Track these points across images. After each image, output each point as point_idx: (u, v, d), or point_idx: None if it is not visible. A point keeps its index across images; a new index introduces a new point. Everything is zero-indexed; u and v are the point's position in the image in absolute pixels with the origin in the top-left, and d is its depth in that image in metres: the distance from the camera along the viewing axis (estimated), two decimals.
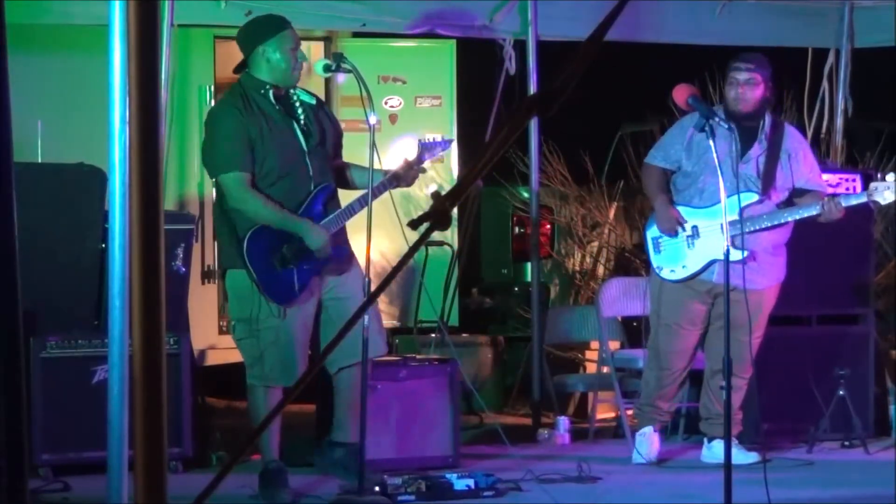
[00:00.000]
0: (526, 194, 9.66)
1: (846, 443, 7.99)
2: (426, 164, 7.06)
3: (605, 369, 8.54)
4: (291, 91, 6.69)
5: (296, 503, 6.63)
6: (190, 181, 9.19)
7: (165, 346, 2.27)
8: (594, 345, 9.27)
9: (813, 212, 7.27)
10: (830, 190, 7.90)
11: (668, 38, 9.31)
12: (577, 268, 10.23)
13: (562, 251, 10.36)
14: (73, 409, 6.92)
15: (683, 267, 7.47)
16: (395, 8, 8.75)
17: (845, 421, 7.89)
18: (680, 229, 7.43)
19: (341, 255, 6.76)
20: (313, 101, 6.80)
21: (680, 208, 7.47)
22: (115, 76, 4.15)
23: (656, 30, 9.21)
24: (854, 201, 7.36)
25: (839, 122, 9.72)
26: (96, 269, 7.17)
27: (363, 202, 6.62)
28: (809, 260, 8.11)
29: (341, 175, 6.88)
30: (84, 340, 7.06)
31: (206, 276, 9.24)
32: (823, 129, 9.76)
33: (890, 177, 7.32)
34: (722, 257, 7.30)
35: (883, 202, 7.33)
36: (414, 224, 2.48)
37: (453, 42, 9.79)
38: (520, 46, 9.01)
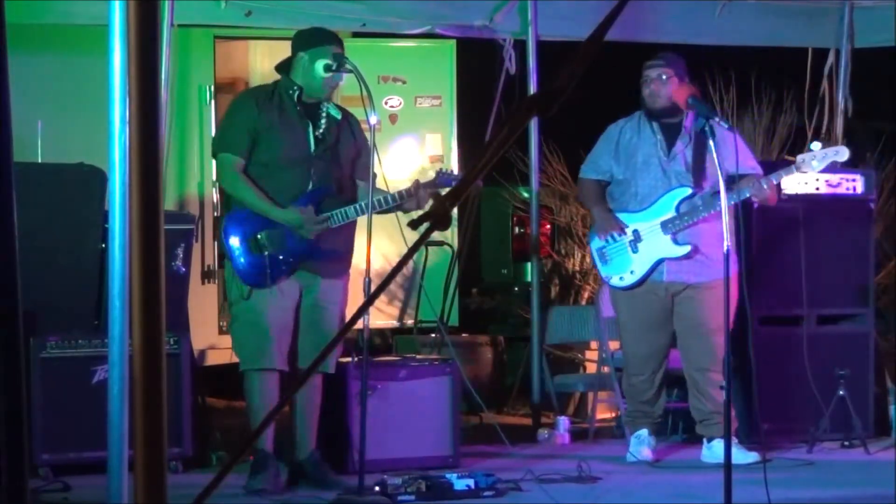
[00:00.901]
0: (526, 194, 9.65)
1: (846, 443, 7.99)
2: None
3: (605, 369, 8.54)
4: (322, 103, 6.81)
5: (291, 502, 6.63)
6: (190, 181, 9.20)
7: (165, 346, 2.27)
8: (594, 345, 9.27)
9: (745, 194, 7.26)
10: (831, 190, 7.90)
11: (668, 38, 9.29)
12: (577, 268, 10.23)
13: (562, 251, 10.36)
14: (73, 409, 6.91)
15: (631, 272, 7.51)
16: (395, 8, 8.76)
17: (845, 421, 7.89)
18: (620, 235, 7.45)
19: (335, 255, 6.79)
20: (339, 116, 6.89)
21: (618, 216, 7.51)
22: (115, 76, 4.14)
23: (656, 30, 9.19)
24: (785, 175, 7.40)
25: (839, 122, 9.71)
26: (96, 270, 7.17)
27: (360, 210, 6.73)
28: (809, 260, 8.11)
29: (355, 193, 6.91)
30: (84, 340, 7.06)
31: (206, 276, 9.25)
32: (823, 129, 9.75)
33: (815, 145, 7.37)
34: (667, 256, 7.37)
35: (812, 171, 7.40)
36: (414, 224, 2.47)
37: (453, 42, 9.79)
38: (520, 46, 9.01)
